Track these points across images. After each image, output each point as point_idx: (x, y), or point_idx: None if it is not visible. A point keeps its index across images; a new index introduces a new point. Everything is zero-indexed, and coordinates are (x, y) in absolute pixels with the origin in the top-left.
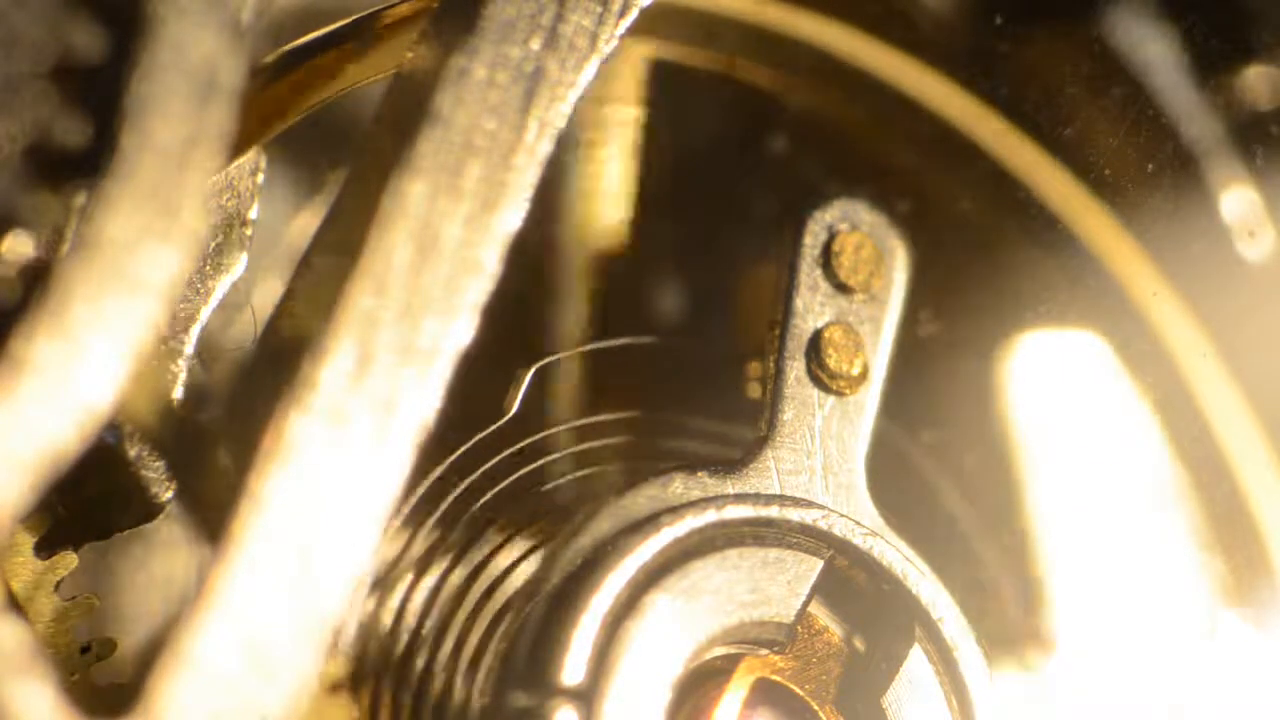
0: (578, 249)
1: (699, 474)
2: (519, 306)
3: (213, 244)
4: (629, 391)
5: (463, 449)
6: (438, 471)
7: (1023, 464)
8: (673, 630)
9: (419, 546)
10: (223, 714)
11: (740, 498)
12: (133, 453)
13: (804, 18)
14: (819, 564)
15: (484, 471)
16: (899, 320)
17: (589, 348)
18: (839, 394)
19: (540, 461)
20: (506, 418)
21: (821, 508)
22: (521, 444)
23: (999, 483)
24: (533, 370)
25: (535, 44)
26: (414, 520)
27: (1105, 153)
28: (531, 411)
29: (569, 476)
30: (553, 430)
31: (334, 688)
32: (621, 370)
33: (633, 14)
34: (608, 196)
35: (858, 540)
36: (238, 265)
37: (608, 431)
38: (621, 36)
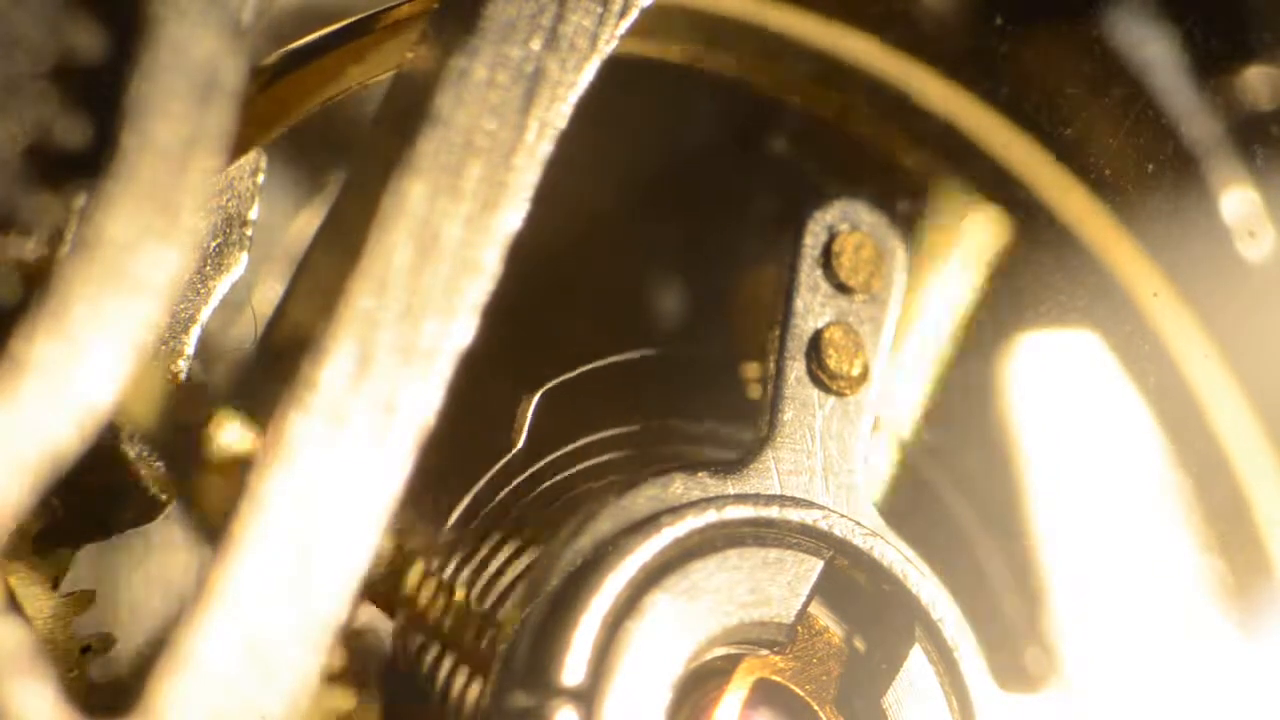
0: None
1: (699, 474)
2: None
3: (213, 244)
4: (632, 403)
5: (474, 489)
6: (460, 507)
7: (1023, 464)
8: (673, 630)
9: (421, 547)
10: (223, 714)
11: (740, 498)
12: (133, 453)
13: (804, 18)
14: (819, 564)
15: (489, 484)
16: (899, 320)
17: (590, 366)
18: (839, 394)
19: (547, 483)
20: (514, 451)
21: (822, 508)
22: (530, 469)
23: (999, 483)
24: (537, 396)
25: (535, 44)
26: (416, 521)
27: (1105, 153)
28: (536, 432)
29: (576, 491)
30: (558, 453)
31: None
32: (624, 382)
33: (633, 14)
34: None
35: (858, 540)
36: (238, 265)
37: (612, 446)
38: (622, 36)
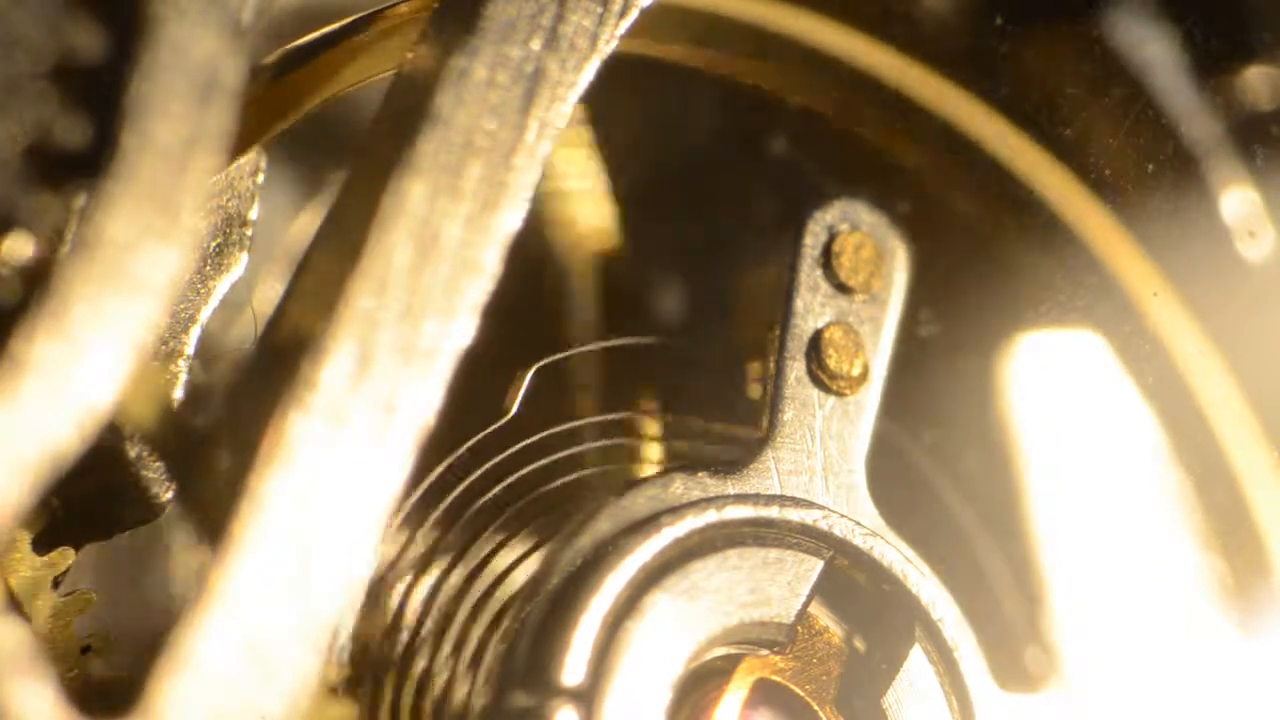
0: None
1: (699, 474)
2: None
3: (213, 244)
4: (629, 391)
5: (462, 448)
6: (437, 471)
7: (1023, 464)
8: (673, 630)
9: (419, 546)
10: (223, 714)
11: (740, 498)
12: (133, 453)
13: (804, 18)
14: (819, 564)
15: (484, 471)
16: (899, 320)
17: (588, 348)
18: (839, 394)
19: (540, 462)
20: (506, 418)
21: (822, 508)
22: (521, 444)
23: (999, 483)
24: (532, 371)
25: (535, 44)
26: (413, 520)
27: (1105, 153)
28: (531, 411)
29: (569, 477)
30: (552, 431)
31: (333, 689)
32: (622, 370)
33: (633, 14)
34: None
35: (858, 540)
36: (238, 265)
37: (607, 432)
38: (622, 36)
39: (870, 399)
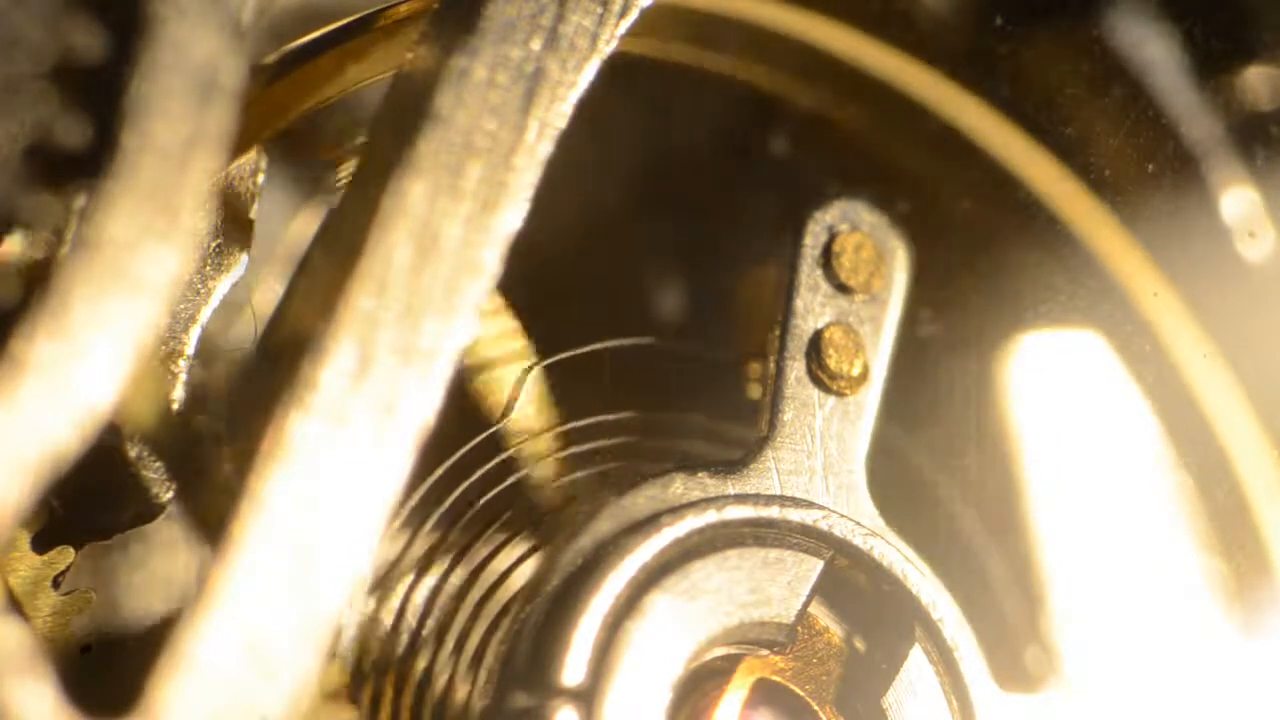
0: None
1: (699, 474)
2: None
3: (213, 244)
4: (628, 392)
5: (460, 452)
6: (437, 473)
7: (1023, 464)
8: (673, 630)
9: (419, 546)
10: (223, 714)
11: (741, 498)
12: (133, 453)
13: (804, 18)
14: (819, 564)
15: (483, 473)
16: (899, 320)
17: (587, 349)
18: (839, 394)
19: (539, 463)
20: (503, 420)
21: (822, 508)
22: (518, 445)
23: (999, 483)
24: (532, 370)
25: (536, 44)
26: (414, 520)
27: (1105, 153)
28: (529, 413)
29: (568, 478)
30: (550, 431)
31: (333, 689)
32: (621, 371)
33: (633, 14)
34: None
35: (858, 540)
36: (238, 265)
37: (606, 432)
38: (622, 36)
39: (870, 399)
